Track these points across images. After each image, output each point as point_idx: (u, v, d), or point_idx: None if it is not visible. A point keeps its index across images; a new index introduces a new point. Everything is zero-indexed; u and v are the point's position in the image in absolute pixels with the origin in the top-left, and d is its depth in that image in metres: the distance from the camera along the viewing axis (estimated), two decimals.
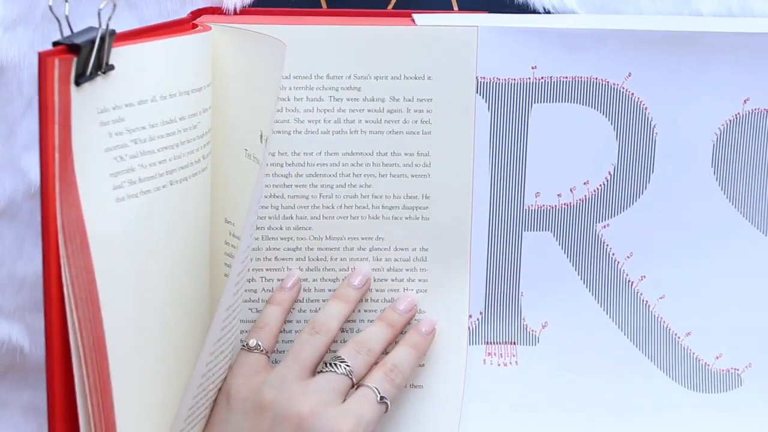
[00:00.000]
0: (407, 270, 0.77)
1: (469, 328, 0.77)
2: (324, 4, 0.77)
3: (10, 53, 0.75)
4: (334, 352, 0.74)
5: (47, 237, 0.58)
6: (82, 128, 0.59)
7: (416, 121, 0.75)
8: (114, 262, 0.62)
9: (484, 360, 0.77)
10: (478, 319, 0.77)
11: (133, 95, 0.62)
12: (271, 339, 0.74)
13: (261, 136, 0.70)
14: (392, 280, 0.77)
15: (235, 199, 0.73)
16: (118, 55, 0.60)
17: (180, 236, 0.69)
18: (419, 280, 0.77)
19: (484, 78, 0.74)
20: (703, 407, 0.78)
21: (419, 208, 0.76)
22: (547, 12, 0.76)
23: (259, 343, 0.73)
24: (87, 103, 0.59)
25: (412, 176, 0.75)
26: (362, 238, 0.76)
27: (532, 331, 0.77)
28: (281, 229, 0.76)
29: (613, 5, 0.76)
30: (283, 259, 0.76)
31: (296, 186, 0.75)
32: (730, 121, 0.74)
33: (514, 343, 0.77)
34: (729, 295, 0.77)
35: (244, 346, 0.74)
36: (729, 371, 0.78)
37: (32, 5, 0.75)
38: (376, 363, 0.74)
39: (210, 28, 0.70)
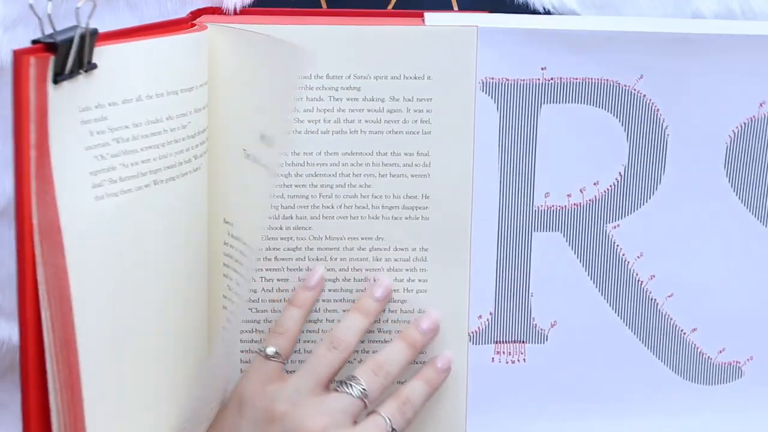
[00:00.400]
0: (407, 270, 0.76)
1: (478, 329, 0.77)
2: (324, 4, 0.75)
3: (10, 53, 0.73)
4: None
5: (21, 235, 0.58)
6: (62, 126, 0.58)
7: (416, 121, 0.73)
8: (91, 261, 0.62)
9: (493, 358, 0.77)
10: (487, 320, 0.77)
11: (116, 94, 0.62)
12: (289, 346, 0.73)
13: (262, 137, 0.68)
14: (393, 280, 0.76)
15: (233, 200, 0.72)
16: (101, 54, 0.60)
17: (167, 236, 0.68)
18: (419, 280, 0.76)
19: (493, 78, 0.72)
20: (705, 399, 0.79)
21: (419, 208, 0.74)
22: (547, 12, 0.74)
23: (278, 352, 0.73)
24: (67, 101, 0.58)
25: (412, 176, 0.74)
26: (362, 238, 0.75)
27: (541, 330, 0.77)
28: (281, 228, 0.74)
29: (614, 5, 0.74)
30: (282, 259, 0.75)
31: (296, 186, 0.74)
32: (745, 124, 0.73)
33: (523, 342, 0.78)
34: (735, 292, 0.77)
35: (260, 352, 0.73)
36: (731, 364, 0.79)
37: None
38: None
39: (206, 28, 0.69)
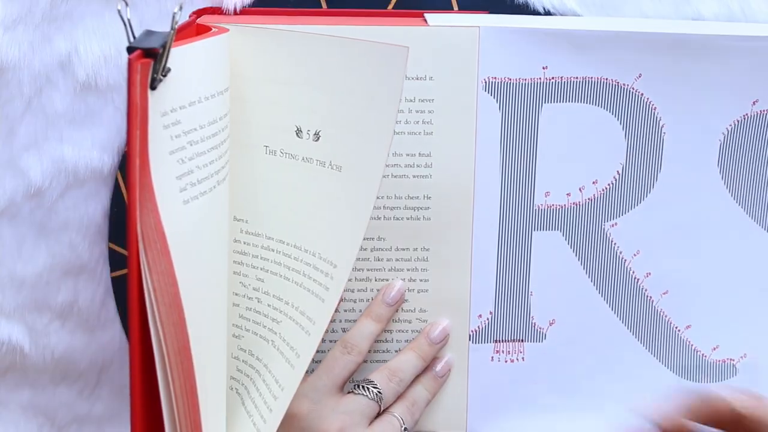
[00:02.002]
0: (408, 270, 0.76)
1: (478, 328, 0.77)
2: (324, 4, 0.76)
3: (10, 53, 0.73)
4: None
5: (131, 244, 0.57)
6: (153, 133, 0.58)
7: (418, 122, 0.74)
8: (188, 265, 0.62)
9: (492, 357, 0.78)
10: (488, 319, 0.77)
11: (185, 97, 0.61)
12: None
13: (298, 130, 0.69)
14: (393, 280, 0.76)
15: (246, 196, 0.72)
16: (172, 57, 0.59)
17: (222, 236, 0.69)
18: (420, 280, 0.76)
19: (495, 78, 0.73)
20: None
21: (421, 208, 0.75)
22: (548, 12, 0.76)
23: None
24: (154, 107, 0.58)
25: (414, 177, 0.74)
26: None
27: (540, 328, 0.78)
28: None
29: (614, 5, 0.76)
30: None
31: None
32: (738, 121, 0.75)
33: (522, 341, 0.78)
34: (729, 289, 0.79)
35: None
36: (724, 362, 0.80)
37: (32, 5, 0.73)
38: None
39: (227, 30, 0.68)
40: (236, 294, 0.73)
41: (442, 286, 0.76)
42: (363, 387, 0.74)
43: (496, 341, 0.78)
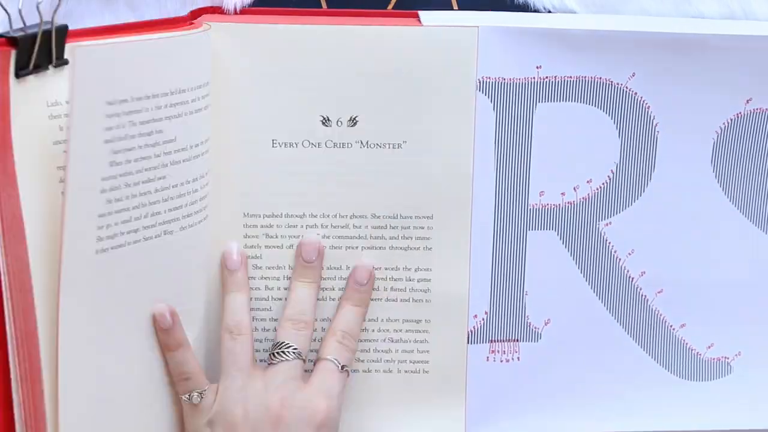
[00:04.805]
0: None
1: (474, 328, 0.77)
2: (324, 4, 0.76)
3: None
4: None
5: None
6: (28, 121, 0.59)
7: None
8: (48, 253, 0.62)
9: (487, 357, 0.78)
10: (483, 319, 0.77)
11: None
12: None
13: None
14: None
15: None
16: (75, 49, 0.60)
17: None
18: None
19: (489, 78, 0.73)
20: (694, 395, 0.80)
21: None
22: (548, 11, 0.76)
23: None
24: (34, 96, 0.59)
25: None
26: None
27: (535, 328, 0.78)
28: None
29: (613, 5, 0.76)
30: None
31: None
32: (731, 120, 0.76)
33: (517, 341, 0.78)
34: (723, 288, 0.79)
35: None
36: (719, 360, 0.81)
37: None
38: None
39: (208, 27, 0.69)
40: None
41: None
42: (277, 354, 0.72)
43: (491, 341, 0.78)
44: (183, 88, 0.67)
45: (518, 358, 0.78)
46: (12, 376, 0.62)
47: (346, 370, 0.73)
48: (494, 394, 0.78)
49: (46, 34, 0.60)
